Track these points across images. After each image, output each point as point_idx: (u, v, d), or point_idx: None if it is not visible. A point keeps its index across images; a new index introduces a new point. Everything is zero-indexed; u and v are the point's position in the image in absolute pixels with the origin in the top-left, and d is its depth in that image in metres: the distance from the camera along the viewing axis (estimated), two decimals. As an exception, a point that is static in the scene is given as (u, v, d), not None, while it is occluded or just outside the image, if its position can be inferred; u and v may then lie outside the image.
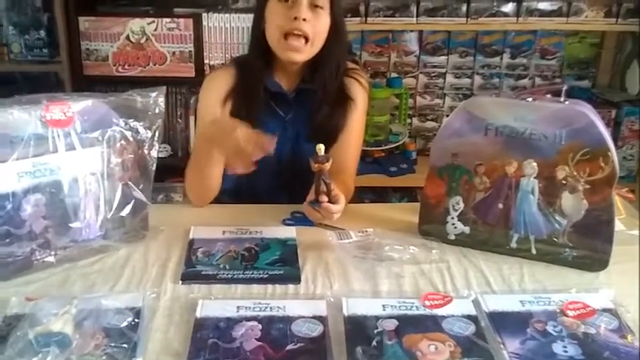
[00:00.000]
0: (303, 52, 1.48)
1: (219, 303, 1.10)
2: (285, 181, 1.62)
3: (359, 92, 1.61)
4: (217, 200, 1.55)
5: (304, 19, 1.43)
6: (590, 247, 1.23)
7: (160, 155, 1.33)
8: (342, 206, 1.32)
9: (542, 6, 2.51)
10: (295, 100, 1.59)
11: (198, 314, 1.06)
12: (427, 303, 1.10)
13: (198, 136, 1.43)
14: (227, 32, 2.51)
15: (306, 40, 1.46)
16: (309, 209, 1.34)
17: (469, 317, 1.06)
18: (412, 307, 1.09)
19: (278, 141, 1.57)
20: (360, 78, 1.63)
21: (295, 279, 1.20)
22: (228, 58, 2.49)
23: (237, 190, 1.63)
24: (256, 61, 1.56)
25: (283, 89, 1.58)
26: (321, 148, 1.25)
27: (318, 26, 1.46)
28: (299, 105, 1.59)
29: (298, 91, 1.58)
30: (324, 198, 1.28)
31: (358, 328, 1.03)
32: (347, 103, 1.59)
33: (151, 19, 2.50)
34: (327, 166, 1.25)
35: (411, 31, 2.74)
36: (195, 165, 1.48)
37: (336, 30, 1.51)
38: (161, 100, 1.30)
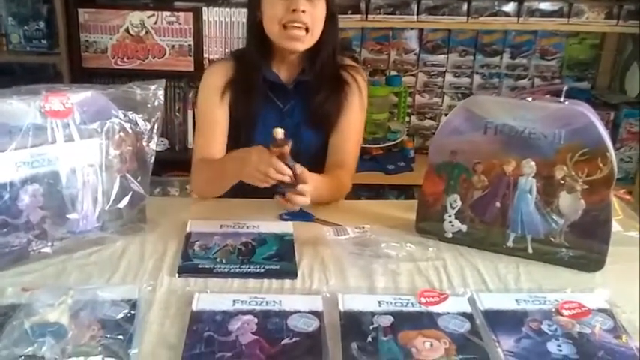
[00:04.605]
0: (304, 42, 1.50)
1: (215, 296, 1.10)
2: None
3: (356, 89, 1.62)
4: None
5: (303, 11, 1.44)
6: (586, 247, 1.23)
7: (157, 149, 1.33)
8: (310, 186, 1.29)
9: (543, 6, 2.51)
10: (294, 91, 1.59)
11: (194, 307, 1.06)
12: (423, 300, 1.10)
13: (233, 160, 1.40)
14: (227, 27, 2.50)
15: (307, 30, 1.47)
16: (278, 200, 1.32)
17: (464, 315, 1.07)
18: (408, 303, 1.09)
19: None
20: (357, 75, 1.64)
21: (291, 274, 1.20)
22: (228, 53, 2.49)
23: (238, 183, 1.63)
24: (254, 52, 1.57)
25: (282, 80, 1.59)
26: (278, 131, 1.24)
27: (315, 16, 1.48)
28: (297, 95, 1.60)
29: (297, 82, 1.59)
30: (286, 179, 1.26)
31: (354, 324, 1.03)
32: (343, 87, 1.60)
33: (150, 13, 2.49)
34: (287, 149, 1.25)
35: (412, 29, 2.74)
36: (217, 179, 1.48)
37: (331, 16, 1.53)
38: (160, 92, 1.30)
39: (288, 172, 1.26)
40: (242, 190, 1.47)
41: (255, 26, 1.55)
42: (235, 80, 1.58)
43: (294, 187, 1.28)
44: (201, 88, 1.62)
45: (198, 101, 1.64)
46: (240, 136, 1.59)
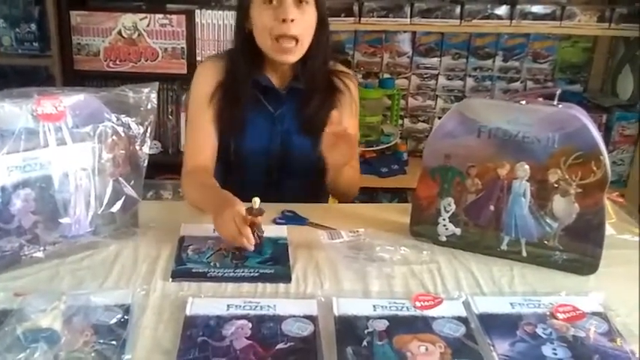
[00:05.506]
0: (294, 53, 1.48)
1: (209, 301, 1.09)
2: (275, 178, 1.62)
3: (348, 96, 1.62)
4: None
5: (292, 20, 1.43)
6: (580, 250, 1.23)
7: (150, 152, 1.32)
8: None
9: (535, 9, 2.52)
10: (286, 97, 1.58)
11: (188, 312, 1.05)
12: (418, 304, 1.10)
13: (211, 204, 1.35)
14: (220, 29, 2.50)
15: (297, 40, 1.46)
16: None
17: (459, 319, 1.06)
18: (403, 307, 1.09)
19: (267, 137, 1.58)
20: (349, 81, 1.64)
21: (286, 278, 1.19)
22: (224, 51, 2.48)
23: (226, 189, 1.62)
24: (245, 60, 1.55)
25: (274, 85, 1.58)
26: (256, 201, 1.25)
27: (305, 24, 1.47)
28: (289, 102, 1.59)
29: (290, 88, 1.58)
30: (249, 248, 1.24)
31: (349, 328, 1.02)
32: (336, 94, 1.60)
33: (143, 15, 2.49)
34: (260, 219, 1.25)
35: (405, 32, 2.74)
36: (201, 207, 1.45)
37: (321, 21, 1.52)
38: (153, 95, 1.29)
39: (252, 241, 1.24)
40: (236, 195, 1.47)
41: (244, 36, 1.53)
42: (225, 84, 1.56)
43: None
44: (192, 90, 1.60)
45: (189, 103, 1.62)
46: (229, 139, 1.58)
